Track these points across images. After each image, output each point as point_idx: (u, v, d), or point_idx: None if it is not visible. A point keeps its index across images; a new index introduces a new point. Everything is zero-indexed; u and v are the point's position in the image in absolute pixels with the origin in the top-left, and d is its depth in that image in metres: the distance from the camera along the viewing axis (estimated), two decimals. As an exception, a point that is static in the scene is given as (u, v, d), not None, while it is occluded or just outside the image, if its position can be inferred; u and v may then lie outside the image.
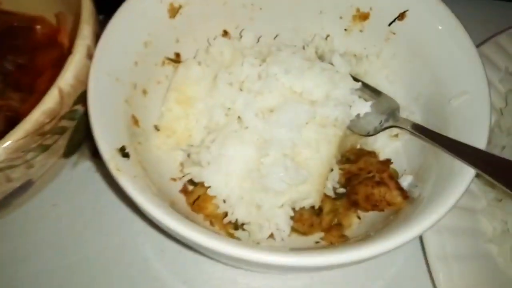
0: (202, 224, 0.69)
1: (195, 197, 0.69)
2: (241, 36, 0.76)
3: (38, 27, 0.78)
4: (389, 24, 0.73)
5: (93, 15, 0.63)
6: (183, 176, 0.70)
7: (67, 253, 0.73)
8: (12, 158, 0.54)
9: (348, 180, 0.72)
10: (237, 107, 0.68)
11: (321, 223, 0.70)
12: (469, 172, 0.56)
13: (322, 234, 0.70)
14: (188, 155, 0.71)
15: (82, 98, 0.59)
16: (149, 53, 0.69)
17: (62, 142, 0.62)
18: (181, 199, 0.70)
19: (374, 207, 0.68)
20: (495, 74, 0.84)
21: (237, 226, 0.68)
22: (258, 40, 0.77)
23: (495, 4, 1.06)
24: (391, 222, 0.62)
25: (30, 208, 0.75)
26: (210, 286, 0.72)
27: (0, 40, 0.75)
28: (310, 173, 0.65)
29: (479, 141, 0.58)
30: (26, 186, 0.62)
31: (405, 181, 0.69)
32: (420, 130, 0.66)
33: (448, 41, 0.66)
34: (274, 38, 0.80)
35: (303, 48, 0.79)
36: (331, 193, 0.70)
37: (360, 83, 0.72)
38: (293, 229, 0.68)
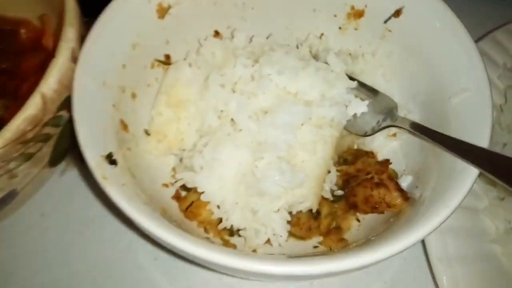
0: (196, 231, 0.68)
1: (188, 203, 0.68)
2: (233, 36, 0.75)
3: (23, 30, 0.76)
4: (385, 22, 0.73)
5: (78, 16, 0.61)
6: (176, 182, 0.69)
7: (56, 265, 0.71)
8: (-7, 168, 0.52)
9: (346, 181, 0.71)
10: (230, 109, 0.67)
11: (319, 226, 0.69)
12: (472, 172, 0.55)
13: (320, 238, 0.69)
14: (180, 160, 0.70)
15: (67, 104, 0.57)
16: (137, 55, 0.67)
17: (47, 150, 0.60)
18: (174, 205, 0.69)
19: (374, 209, 0.68)
20: (493, 71, 0.84)
21: (232, 232, 0.67)
22: (251, 40, 0.75)
23: (490, 1, 1.06)
24: (392, 225, 0.61)
25: (17, 218, 0.73)
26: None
27: (-17, 45, 0.73)
28: (307, 175, 0.64)
29: (482, 140, 0.57)
30: (10, 196, 0.60)
31: (405, 182, 0.68)
32: (419, 129, 0.65)
33: (446, 38, 0.65)
34: (267, 37, 0.79)
35: (297, 47, 0.78)
36: (329, 196, 0.69)
37: (356, 82, 0.71)
38: (291, 234, 0.67)
